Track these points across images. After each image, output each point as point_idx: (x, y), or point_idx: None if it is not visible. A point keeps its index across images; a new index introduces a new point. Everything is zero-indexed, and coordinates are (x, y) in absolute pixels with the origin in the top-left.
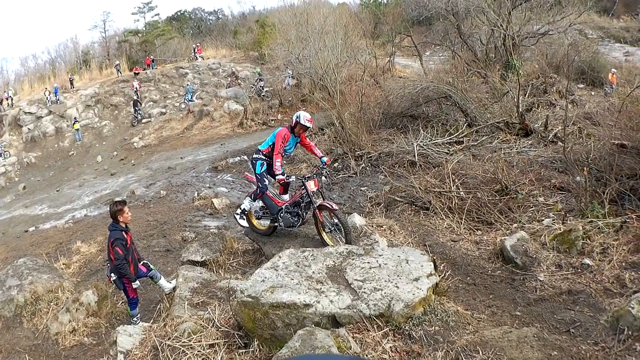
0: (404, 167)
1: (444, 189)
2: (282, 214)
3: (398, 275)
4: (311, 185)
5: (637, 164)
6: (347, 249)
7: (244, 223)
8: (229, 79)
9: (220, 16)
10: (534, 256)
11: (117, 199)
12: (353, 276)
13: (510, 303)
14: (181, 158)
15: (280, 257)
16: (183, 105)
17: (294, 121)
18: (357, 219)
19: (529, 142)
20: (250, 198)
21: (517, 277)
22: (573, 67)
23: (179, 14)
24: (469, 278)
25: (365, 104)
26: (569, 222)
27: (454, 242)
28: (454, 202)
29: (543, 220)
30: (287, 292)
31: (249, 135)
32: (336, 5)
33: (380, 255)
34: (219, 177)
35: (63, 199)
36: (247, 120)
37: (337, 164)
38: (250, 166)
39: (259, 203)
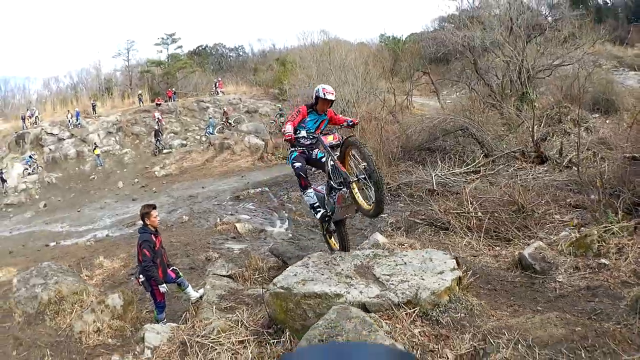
0: (423, 195)
1: (462, 210)
2: (325, 202)
3: (423, 270)
4: (328, 139)
5: None
6: (373, 251)
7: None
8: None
9: (241, 53)
10: (552, 261)
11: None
12: (380, 272)
13: (531, 302)
14: (202, 187)
15: (309, 257)
16: (204, 138)
17: (314, 97)
18: (380, 237)
19: (544, 168)
20: (301, 188)
21: (537, 280)
22: (587, 97)
23: (200, 48)
24: (489, 285)
25: (385, 138)
26: (584, 230)
27: (474, 256)
28: (472, 222)
29: (560, 234)
30: (318, 284)
31: (270, 168)
32: (356, 44)
33: (405, 255)
34: (240, 205)
35: (84, 219)
36: (267, 154)
37: None
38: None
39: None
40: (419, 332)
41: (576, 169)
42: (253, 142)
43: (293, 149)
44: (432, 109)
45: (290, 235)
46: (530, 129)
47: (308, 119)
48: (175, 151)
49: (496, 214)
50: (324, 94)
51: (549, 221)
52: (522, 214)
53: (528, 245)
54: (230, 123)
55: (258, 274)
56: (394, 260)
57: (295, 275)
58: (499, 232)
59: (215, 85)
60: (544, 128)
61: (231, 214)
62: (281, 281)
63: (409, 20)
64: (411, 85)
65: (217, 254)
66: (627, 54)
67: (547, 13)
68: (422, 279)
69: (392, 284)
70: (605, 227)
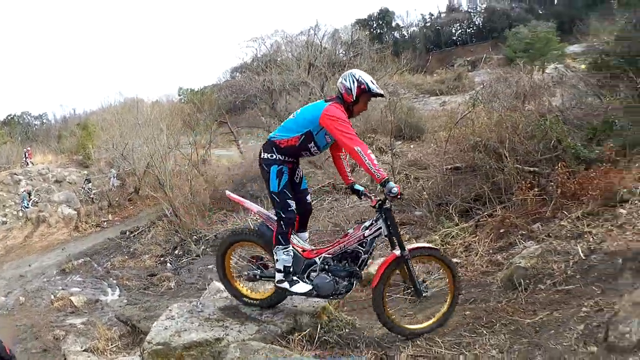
0: None
1: None
2: (314, 273)
3: (291, 298)
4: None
5: (472, 178)
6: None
7: (301, 289)
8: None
9: (44, 120)
10: None
11: None
12: (249, 310)
13: (401, 310)
14: (29, 265)
15: (170, 310)
16: (21, 213)
17: (355, 89)
18: (220, 285)
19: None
20: (281, 243)
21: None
22: (390, 126)
23: (9, 118)
24: (356, 303)
25: (195, 191)
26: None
27: None
28: None
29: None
30: (194, 332)
31: (86, 237)
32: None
33: None
34: (68, 278)
35: None
36: (81, 223)
37: (177, 250)
38: (263, 174)
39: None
40: (314, 354)
41: None
42: (66, 213)
43: (280, 165)
44: (232, 158)
45: (126, 300)
46: None
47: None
48: None
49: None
50: (374, 85)
51: (378, 241)
52: None
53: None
54: (30, 199)
55: (112, 344)
56: None
57: (166, 328)
58: None
59: (25, 155)
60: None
61: (62, 289)
62: (155, 338)
63: (207, 72)
64: (210, 137)
65: (63, 332)
66: (426, 81)
67: (344, 52)
68: (295, 306)
69: (267, 317)
70: (445, 232)
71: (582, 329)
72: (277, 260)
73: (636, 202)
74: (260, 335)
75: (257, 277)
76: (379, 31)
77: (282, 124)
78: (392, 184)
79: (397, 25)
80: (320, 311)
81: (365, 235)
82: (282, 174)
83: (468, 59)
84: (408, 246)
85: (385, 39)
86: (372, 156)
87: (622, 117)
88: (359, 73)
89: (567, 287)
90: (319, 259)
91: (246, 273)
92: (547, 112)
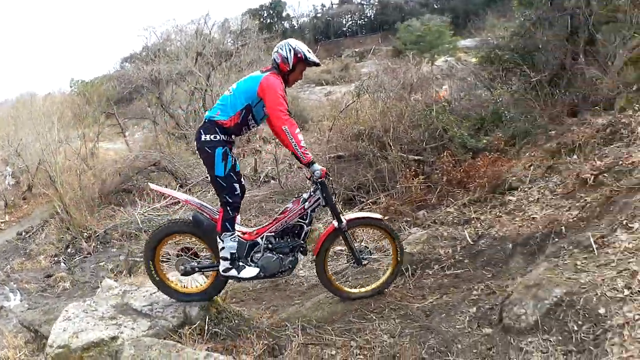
0: (131, 234)
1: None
2: (258, 254)
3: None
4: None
5: (356, 167)
6: (121, 289)
7: (249, 273)
8: None
9: None
10: None
11: None
12: (140, 305)
13: (286, 299)
14: None
15: (67, 311)
16: None
17: (291, 58)
18: (111, 282)
19: None
20: (228, 230)
21: (280, 282)
22: None
23: None
24: (238, 295)
25: (84, 186)
26: None
27: None
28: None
29: None
30: (90, 332)
31: None
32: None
33: (151, 285)
34: None
35: None
36: None
37: (69, 249)
38: (206, 158)
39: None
40: (207, 348)
41: (275, 181)
42: None
43: (224, 146)
44: (119, 151)
45: (27, 305)
46: None
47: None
48: None
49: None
50: (310, 54)
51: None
52: None
53: None
54: None
55: (19, 352)
56: (147, 290)
57: (65, 330)
58: None
59: None
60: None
61: None
62: (56, 341)
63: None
64: (99, 129)
65: None
66: (312, 70)
67: (232, 41)
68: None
69: (158, 311)
70: (328, 220)
71: (474, 312)
72: (222, 248)
73: (525, 189)
74: (153, 331)
75: (196, 269)
76: (269, 21)
77: (219, 101)
78: (316, 166)
79: (288, 15)
80: (208, 304)
81: (306, 207)
82: (227, 156)
83: (357, 50)
84: (347, 216)
85: (275, 28)
86: (300, 137)
87: (513, 109)
88: (294, 42)
89: (455, 271)
90: (261, 238)
91: (182, 267)
92: (434, 102)
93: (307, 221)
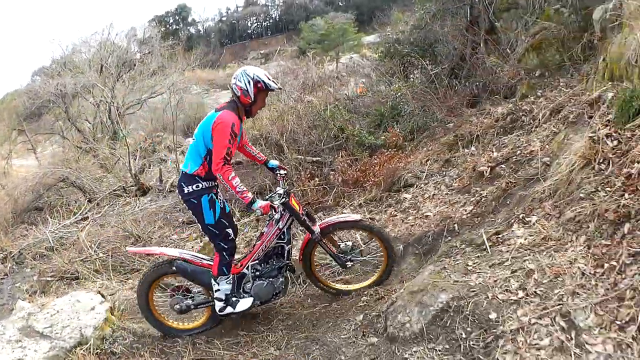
0: (43, 254)
1: (85, 257)
2: (249, 284)
3: (76, 312)
4: (294, 203)
5: (253, 172)
6: (27, 312)
7: (245, 305)
8: None
9: None
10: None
11: None
12: (41, 327)
13: None
14: None
15: None
16: None
17: (251, 90)
18: (24, 304)
19: (149, 198)
20: (224, 274)
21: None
22: (180, 123)
23: None
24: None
25: None
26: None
27: (112, 295)
28: (98, 265)
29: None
30: None
31: None
32: None
33: (55, 305)
34: None
35: None
36: None
37: None
38: (194, 209)
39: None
40: None
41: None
42: None
43: (209, 193)
44: (31, 167)
45: None
46: (127, 165)
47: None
48: None
49: (116, 250)
50: (269, 81)
51: (168, 243)
52: (142, 243)
53: None
54: None
55: None
56: (48, 312)
57: None
58: (125, 267)
59: None
60: (140, 161)
61: None
62: None
63: (12, 76)
64: (10, 147)
65: None
66: (219, 75)
67: (137, 49)
68: (79, 319)
69: (57, 332)
70: None
71: (360, 320)
72: (217, 290)
73: (422, 185)
74: (53, 353)
75: (191, 307)
76: (175, 27)
77: (188, 151)
78: (257, 203)
79: (194, 20)
80: (102, 323)
81: (280, 227)
82: (214, 202)
83: (262, 52)
84: (322, 223)
85: (181, 34)
86: (234, 182)
87: (412, 103)
88: (251, 70)
89: (345, 276)
90: (247, 268)
91: (177, 307)
92: (335, 100)
93: (285, 240)
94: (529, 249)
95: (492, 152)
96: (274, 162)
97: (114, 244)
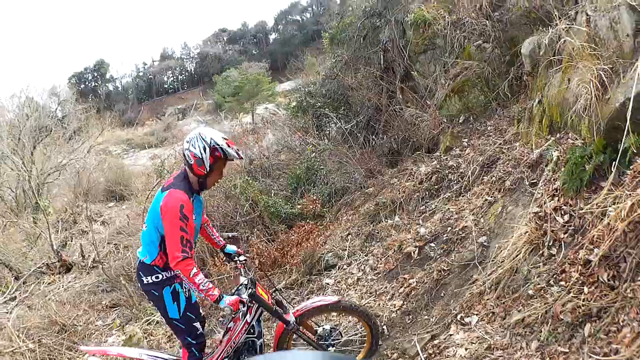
0: None
1: (15, 347)
2: None
3: None
4: (261, 291)
5: None
6: None
7: None
8: None
9: None
10: None
11: None
12: None
13: None
14: None
15: None
16: None
17: (206, 158)
18: None
19: (72, 275)
20: None
21: None
22: (101, 188)
23: None
24: None
25: None
26: (127, 329)
27: None
28: (27, 356)
29: (108, 339)
30: None
31: None
32: None
33: None
34: None
35: None
36: None
37: None
38: (155, 301)
39: None
40: None
41: (102, 266)
42: None
43: (171, 284)
44: None
45: None
46: (48, 239)
47: (194, 214)
48: None
49: (43, 340)
50: (230, 149)
51: (94, 330)
52: (67, 332)
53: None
54: None
55: None
56: None
57: None
58: (54, 359)
59: None
60: (61, 234)
61: None
62: None
63: None
64: None
65: None
66: (137, 134)
67: (58, 107)
68: None
69: None
70: (147, 320)
71: None
72: None
73: (344, 267)
74: None
75: None
76: (94, 84)
77: (141, 238)
78: (225, 301)
79: (112, 76)
80: None
81: (249, 321)
82: (177, 294)
83: (179, 107)
84: (296, 310)
85: (99, 91)
86: (197, 279)
87: (329, 163)
88: (208, 134)
89: None
90: None
91: None
92: (249, 164)
93: (255, 335)
94: None
95: (419, 225)
96: (231, 248)
97: (42, 334)
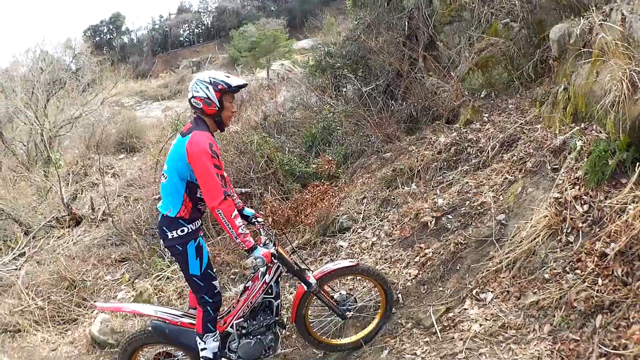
0: None
1: (24, 305)
2: (234, 343)
3: None
4: (282, 252)
5: None
6: None
7: None
8: None
9: None
10: (123, 329)
11: None
12: None
13: None
14: None
15: None
16: None
17: (212, 95)
18: None
19: (82, 229)
20: (210, 331)
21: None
22: (112, 140)
23: None
24: None
25: None
26: (138, 285)
27: (53, 350)
28: (37, 314)
29: (117, 295)
30: None
31: None
32: None
33: None
34: None
35: None
36: None
37: None
38: (178, 257)
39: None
40: None
41: (111, 219)
42: None
43: (196, 239)
44: None
45: None
46: (59, 192)
47: None
48: None
49: (52, 297)
50: (231, 79)
51: (103, 285)
52: (76, 288)
53: (94, 320)
54: None
55: None
56: None
57: None
58: (63, 316)
59: None
60: (71, 187)
61: None
62: None
63: None
64: None
65: None
66: (150, 86)
67: (72, 60)
68: None
69: None
70: (157, 275)
71: None
72: (204, 349)
73: (358, 230)
74: None
75: None
76: (109, 36)
77: (162, 191)
78: (258, 251)
79: (127, 29)
80: None
81: (267, 281)
82: (201, 249)
83: (194, 60)
84: (316, 273)
85: (114, 44)
86: (237, 222)
87: (345, 124)
88: (206, 75)
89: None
90: (232, 327)
91: None
92: (264, 120)
93: (273, 295)
94: (486, 339)
95: (436, 196)
96: (249, 210)
97: (51, 290)
